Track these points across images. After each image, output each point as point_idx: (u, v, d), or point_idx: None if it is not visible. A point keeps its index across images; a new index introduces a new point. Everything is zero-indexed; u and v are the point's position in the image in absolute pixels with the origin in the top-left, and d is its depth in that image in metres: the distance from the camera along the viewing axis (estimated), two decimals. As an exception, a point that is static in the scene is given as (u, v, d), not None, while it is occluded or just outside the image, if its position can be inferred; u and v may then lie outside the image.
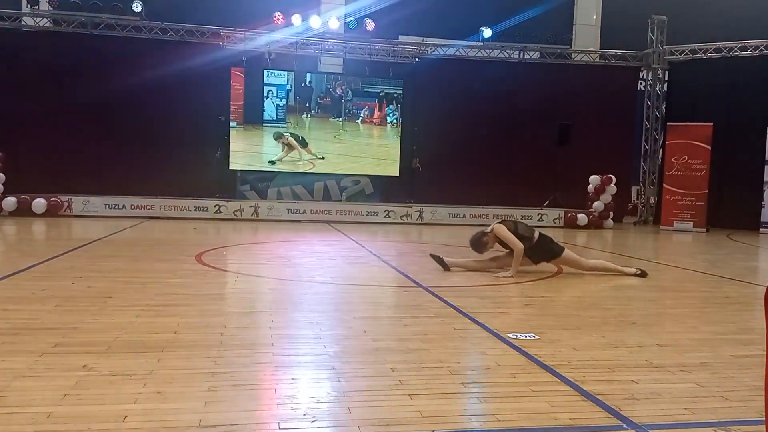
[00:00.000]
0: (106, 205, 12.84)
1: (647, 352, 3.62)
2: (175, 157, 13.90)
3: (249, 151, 14.70)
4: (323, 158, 15.04)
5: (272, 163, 14.81)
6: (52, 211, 12.42)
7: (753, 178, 13.85)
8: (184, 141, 14.01)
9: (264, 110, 14.75)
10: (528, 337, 3.81)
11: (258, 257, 8.02)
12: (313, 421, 2.43)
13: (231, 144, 14.46)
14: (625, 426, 2.47)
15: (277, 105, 14.85)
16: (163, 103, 13.89)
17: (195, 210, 13.19)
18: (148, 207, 13.00)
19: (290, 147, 14.88)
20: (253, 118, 14.70)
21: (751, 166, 13.95)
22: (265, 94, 14.75)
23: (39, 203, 12.39)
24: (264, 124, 14.78)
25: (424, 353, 3.41)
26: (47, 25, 13.90)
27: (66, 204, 12.61)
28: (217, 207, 13.27)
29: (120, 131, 13.96)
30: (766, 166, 13.78)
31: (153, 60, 13.72)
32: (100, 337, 3.55)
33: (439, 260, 6.76)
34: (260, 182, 14.94)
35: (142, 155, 13.88)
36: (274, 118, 14.86)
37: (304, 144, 14.96)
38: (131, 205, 12.94)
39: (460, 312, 4.49)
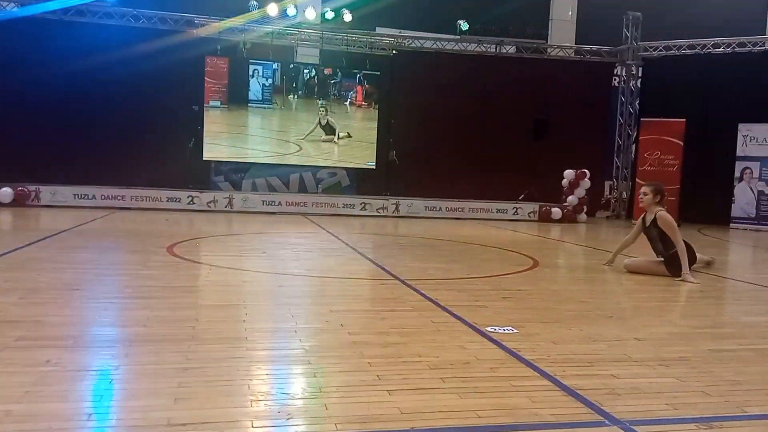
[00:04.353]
0: (75, 194, 12.53)
1: (626, 346, 3.60)
2: (147, 146, 13.60)
3: (233, 133, 14.48)
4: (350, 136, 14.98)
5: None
6: (19, 201, 12.07)
7: (724, 174, 14.06)
8: (157, 130, 13.71)
9: (249, 90, 14.50)
10: (506, 331, 3.76)
11: (232, 249, 7.87)
12: (288, 419, 2.34)
13: (213, 125, 14.20)
14: (607, 422, 2.43)
15: (263, 85, 14.60)
16: (134, 91, 13.56)
17: (167, 201, 12.94)
18: (118, 197, 12.72)
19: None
20: (238, 98, 14.46)
21: (722, 162, 14.15)
22: (250, 74, 14.50)
23: (5, 193, 12.03)
24: (249, 105, 14.57)
25: (403, 347, 3.34)
26: (14, 9, 13.46)
27: (34, 193, 12.28)
28: (190, 198, 13.04)
29: (90, 120, 13.59)
30: (737, 162, 14.00)
31: (125, 48, 13.37)
32: (65, 331, 3.41)
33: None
34: (235, 173, 14.71)
35: (112, 144, 13.54)
36: (260, 99, 14.64)
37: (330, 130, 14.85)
38: (101, 195, 12.65)
39: (438, 305, 4.43)
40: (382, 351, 3.26)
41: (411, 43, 15.47)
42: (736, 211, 14.03)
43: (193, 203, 13.02)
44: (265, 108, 14.72)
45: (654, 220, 6.23)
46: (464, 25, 15.52)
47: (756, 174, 13.84)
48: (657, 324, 4.30)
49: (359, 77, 15.21)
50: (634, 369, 3.15)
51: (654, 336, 3.89)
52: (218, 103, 14.25)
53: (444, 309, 4.32)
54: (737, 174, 14.03)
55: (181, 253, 6.65)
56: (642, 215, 6.58)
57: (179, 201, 12.98)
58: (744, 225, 13.77)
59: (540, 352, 3.35)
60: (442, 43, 15.65)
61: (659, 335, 3.93)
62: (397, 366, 3.01)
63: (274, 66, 14.67)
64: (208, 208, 13.04)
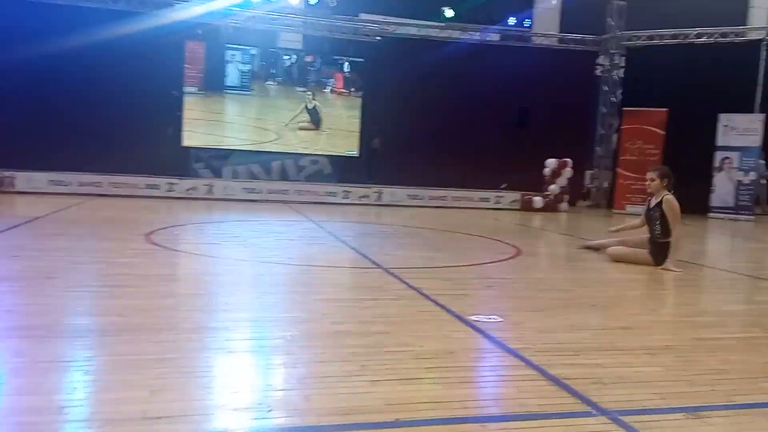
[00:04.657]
0: (51, 181, 12.26)
1: (611, 334, 3.57)
2: (126, 132, 13.31)
3: (209, 120, 14.20)
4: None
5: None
6: (-7, 187, 11.79)
7: (704, 164, 14.14)
8: (135, 116, 13.42)
9: (226, 76, 14.21)
10: (491, 320, 3.71)
11: (212, 237, 7.75)
12: (268, 411, 2.26)
13: (189, 112, 13.93)
14: (594, 412, 2.39)
15: (241, 71, 14.27)
16: (112, 76, 13.24)
17: (145, 188, 12.73)
18: (95, 184, 12.47)
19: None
20: (215, 84, 14.15)
21: (702, 152, 14.24)
22: (227, 58, 14.18)
23: (-22, 179, 11.74)
24: (226, 91, 14.28)
25: (386, 337, 3.28)
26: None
27: (8, 180, 11.98)
28: (169, 185, 12.83)
29: (67, 105, 13.25)
30: (716, 152, 14.11)
31: (102, 30, 13.04)
32: (37, 321, 3.29)
33: (590, 248, 6.58)
34: (215, 160, 14.49)
35: (89, 130, 13.23)
36: (238, 85, 14.35)
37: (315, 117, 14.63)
38: (78, 182, 12.39)
39: (422, 294, 4.37)
40: (365, 341, 3.19)
41: (395, 30, 15.33)
42: (715, 200, 14.14)
43: (172, 190, 12.82)
44: (242, 94, 14.42)
45: (660, 202, 6.14)
46: (449, 12, 15.41)
47: (735, 164, 13.96)
48: (641, 312, 4.29)
49: (340, 64, 15.02)
50: (620, 358, 3.11)
51: (638, 325, 3.87)
52: (194, 89, 13.96)
53: (428, 298, 4.26)
54: (717, 164, 14.13)
55: (159, 241, 6.52)
56: (648, 200, 6.49)
57: (158, 188, 12.77)
58: (723, 214, 13.89)
59: (525, 341, 3.30)
60: (427, 30, 15.53)
61: (643, 324, 3.92)
62: (380, 356, 2.95)
63: (252, 51, 14.34)
64: (188, 196, 12.84)
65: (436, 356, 2.99)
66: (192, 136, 14.12)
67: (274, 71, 14.55)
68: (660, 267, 5.99)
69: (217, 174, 14.30)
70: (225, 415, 2.23)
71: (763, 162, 15.82)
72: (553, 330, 3.61)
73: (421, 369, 2.80)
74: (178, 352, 2.87)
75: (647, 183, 6.36)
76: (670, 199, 6.11)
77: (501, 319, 3.74)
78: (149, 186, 12.75)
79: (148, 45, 13.23)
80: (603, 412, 2.38)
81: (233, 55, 14.20)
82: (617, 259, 6.36)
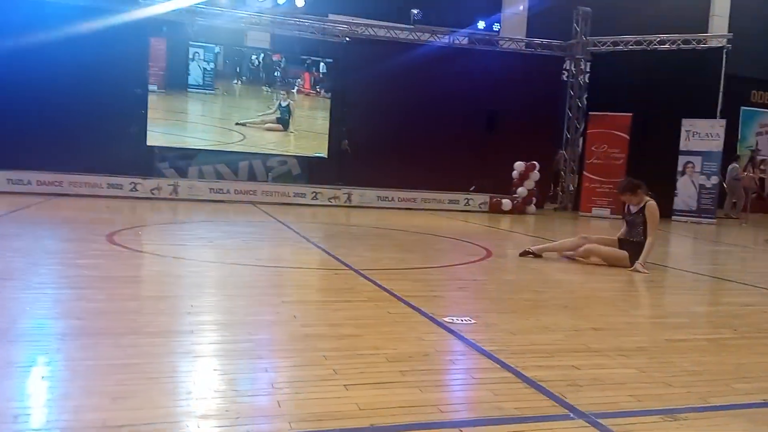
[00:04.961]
0: (9, 180, 11.84)
1: (584, 336, 3.56)
2: (88, 130, 12.94)
3: (171, 119, 13.84)
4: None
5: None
6: (-54, 186, 11.34)
7: (667, 168, 14.41)
8: (98, 114, 13.04)
9: (189, 74, 13.83)
10: (464, 321, 3.66)
11: (177, 238, 7.55)
12: (237, 418, 2.16)
13: (150, 111, 13.59)
14: (572, 415, 2.35)
15: (204, 69, 13.88)
16: (74, 72, 12.86)
17: (108, 187, 12.39)
18: (56, 183, 12.09)
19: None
20: (177, 83, 13.77)
21: (665, 156, 14.51)
22: (190, 56, 13.80)
23: (-70, 177, 11.27)
24: (189, 90, 13.94)
25: (359, 339, 3.20)
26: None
27: (-37, 178, 11.55)
28: (133, 185, 12.51)
29: (27, 101, 12.81)
30: (679, 156, 14.39)
31: (64, 26, 12.67)
32: (-10, 325, 3.12)
33: (528, 253, 6.51)
34: (180, 160, 14.18)
35: (50, 128, 12.81)
36: (201, 84, 13.97)
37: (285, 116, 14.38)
38: (37, 181, 11.99)
39: (394, 295, 4.30)
40: (337, 344, 3.10)
41: (364, 31, 15.26)
42: (678, 204, 14.42)
43: (136, 190, 12.51)
44: (206, 93, 14.07)
45: (642, 208, 6.31)
46: (418, 14, 15.40)
47: (698, 168, 14.26)
48: (612, 314, 4.30)
49: (308, 64, 14.87)
50: (594, 359, 3.09)
51: (610, 326, 3.87)
52: (154, 88, 13.62)
53: (400, 299, 4.19)
54: (680, 168, 14.42)
55: (122, 242, 6.32)
56: (626, 206, 6.62)
57: (121, 188, 12.45)
58: (685, 217, 14.18)
59: (499, 343, 3.26)
60: (396, 32, 15.50)
61: (615, 325, 3.92)
62: (353, 359, 2.87)
63: (217, 49, 14.01)
64: (152, 196, 12.55)
65: (409, 359, 2.92)
66: (156, 136, 13.79)
67: (240, 70, 14.27)
68: (630, 269, 6.04)
69: (182, 174, 14.00)
70: (191, 422, 2.12)
71: (737, 165, 16.28)
72: (526, 331, 3.58)
73: (395, 372, 2.72)
74: (141, 357, 2.74)
75: (626, 203, 6.55)
76: (652, 205, 6.31)
77: (474, 321, 3.70)
78: (112, 186, 12.42)
79: (112, 41, 12.88)
80: (581, 415, 2.35)
81: (196, 52, 13.84)
82: (592, 255, 6.38)
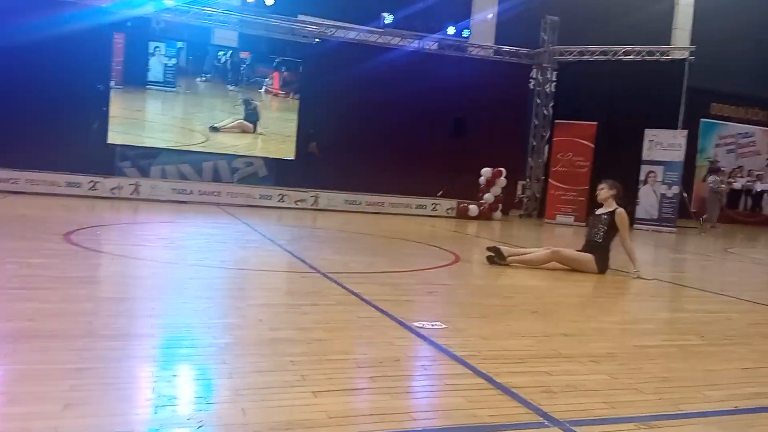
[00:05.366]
0: (-40, 176, 11.39)
1: (554, 341, 3.52)
2: (46, 127, 12.54)
3: (129, 117, 13.41)
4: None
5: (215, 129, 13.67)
6: None
7: (630, 176, 14.64)
8: (57, 110, 12.67)
9: (149, 70, 13.32)
10: (435, 326, 3.60)
11: (138, 238, 7.32)
12: (199, 426, 2.04)
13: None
14: (546, 423, 2.30)
15: (165, 65, 13.40)
16: (33, 67, 12.47)
17: (66, 186, 12.00)
18: (11, 180, 11.65)
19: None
20: (135, 79, 13.30)
21: (628, 165, 14.75)
22: (150, 51, 13.29)
23: None
24: (148, 87, 13.46)
25: (327, 344, 3.10)
26: None
27: None
28: (92, 183, 12.15)
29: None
30: (642, 166, 14.65)
31: (22, 19, 12.26)
32: (-67, 326, 2.92)
33: (495, 251, 6.39)
34: (142, 159, 13.83)
35: (6, 123, 12.36)
36: (161, 80, 13.49)
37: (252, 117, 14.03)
38: (-9, 178, 11.56)
39: (363, 299, 4.21)
40: (305, 348, 3.00)
41: (334, 33, 15.16)
42: (640, 212, 14.67)
43: (95, 189, 12.14)
44: (167, 91, 13.65)
45: (612, 213, 6.40)
46: (388, 18, 15.39)
47: (659, 177, 14.54)
48: (580, 320, 4.29)
49: (276, 62, 14.65)
50: (565, 366, 3.05)
51: (580, 332, 3.85)
52: (111, 83, 13.19)
53: (369, 303, 4.10)
54: (642, 177, 14.68)
55: (79, 241, 6.08)
56: (594, 210, 6.74)
57: (79, 186, 12.07)
58: (647, 226, 14.44)
59: (471, 348, 3.20)
60: (366, 34, 15.44)
61: (584, 331, 3.90)
62: (322, 364, 2.77)
63: (179, 44, 13.62)
64: (112, 195, 12.20)
65: (380, 364, 2.84)
66: (117, 134, 13.41)
67: (204, 67, 13.89)
68: (635, 276, 6.20)
69: (144, 173, 13.67)
70: (150, 431, 1.99)
71: (717, 179, 16.66)
72: (496, 337, 3.53)
73: (365, 378, 2.64)
74: (96, 362, 2.59)
75: (597, 191, 6.63)
76: (622, 213, 6.40)
77: (444, 326, 3.63)
78: (70, 184, 12.03)
79: (74, 36, 12.52)
80: (555, 422, 2.29)
81: (157, 47, 13.33)
82: (559, 260, 6.41)
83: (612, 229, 6.38)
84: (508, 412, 2.38)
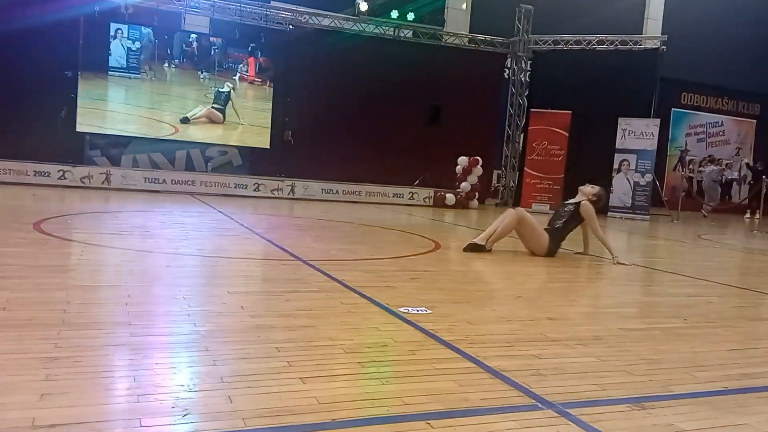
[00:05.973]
0: None
1: (540, 325, 3.50)
2: (12, 115, 12.19)
3: (89, 107, 13.00)
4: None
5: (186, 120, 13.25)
6: None
7: (604, 165, 14.81)
8: (23, 97, 12.32)
9: (110, 54, 12.68)
10: (420, 312, 3.55)
11: (110, 227, 7.14)
12: (184, 415, 1.96)
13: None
14: (539, 405, 2.26)
15: (129, 49, 12.71)
16: (-3, 52, 12.10)
17: (34, 175, 11.69)
18: (-24, 170, 11.32)
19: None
20: (95, 64, 12.71)
21: (602, 154, 14.91)
22: (112, 34, 12.60)
23: None
24: (110, 73, 12.95)
25: (312, 330, 3.02)
26: None
27: None
28: (62, 172, 11.85)
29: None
30: (616, 154, 14.80)
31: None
32: None
33: (474, 248, 6.31)
34: (113, 147, 13.51)
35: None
36: (124, 66, 12.83)
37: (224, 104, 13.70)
38: (-46, 167, 11.20)
39: (346, 286, 4.14)
40: (290, 335, 2.92)
41: (308, 20, 14.96)
42: (613, 200, 14.82)
43: (65, 178, 11.85)
44: (130, 78, 13.00)
45: (578, 204, 6.52)
46: (363, 6, 15.23)
47: (633, 166, 14.71)
48: (564, 304, 4.28)
49: (251, 47, 14.35)
50: (553, 349, 3.03)
51: (565, 316, 3.84)
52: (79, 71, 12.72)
53: (352, 290, 4.04)
54: (616, 165, 14.83)
55: (50, 230, 5.89)
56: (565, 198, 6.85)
57: (48, 175, 11.77)
58: (620, 213, 14.61)
59: (458, 333, 3.16)
60: (340, 22, 15.28)
61: (569, 315, 3.90)
62: (308, 351, 2.70)
63: (145, 28, 13.04)
64: (82, 184, 11.92)
65: (368, 350, 2.78)
66: (86, 121, 13.07)
67: (171, 52, 13.36)
68: (615, 262, 6.26)
69: (114, 162, 13.36)
70: (131, 420, 1.90)
71: (715, 168, 16.94)
72: (483, 321, 3.50)
73: (353, 364, 2.57)
74: (72, 350, 2.49)
75: (586, 185, 6.77)
76: (586, 204, 6.51)
77: (430, 311, 3.59)
78: (38, 173, 11.73)
79: (39, 22, 12.15)
80: (548, 405, 2.26)
81: (119, 29, 12.60)
82: (520, 221, 6.42)
83: (573, 220, 6.50)
84: (500, 395, 2.35)
